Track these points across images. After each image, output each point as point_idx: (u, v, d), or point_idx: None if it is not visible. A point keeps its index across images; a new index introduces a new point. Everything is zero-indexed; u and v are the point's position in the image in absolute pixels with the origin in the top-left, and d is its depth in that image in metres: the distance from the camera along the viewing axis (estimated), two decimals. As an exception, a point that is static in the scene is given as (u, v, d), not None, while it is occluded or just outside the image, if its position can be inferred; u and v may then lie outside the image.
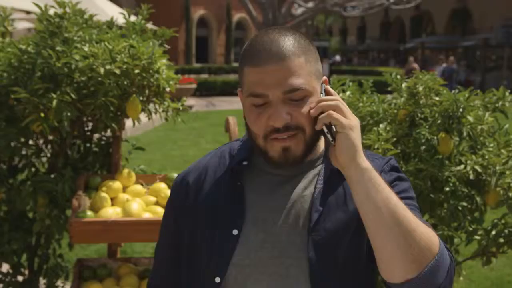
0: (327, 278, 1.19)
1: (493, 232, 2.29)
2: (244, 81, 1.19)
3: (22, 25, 10.20)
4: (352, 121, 1.13)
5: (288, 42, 1.16)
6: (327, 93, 1.21)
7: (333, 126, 1.13)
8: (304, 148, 1.19)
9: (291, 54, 1.14)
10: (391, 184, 1.20)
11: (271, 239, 1.21)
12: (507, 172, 2.21)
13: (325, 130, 1.16)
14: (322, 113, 1.14)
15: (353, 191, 1.12)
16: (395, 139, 2.29)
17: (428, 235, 1.08)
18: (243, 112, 1.23)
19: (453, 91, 2.36)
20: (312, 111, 1.15)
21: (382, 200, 1.08)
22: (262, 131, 1.17)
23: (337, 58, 39.82)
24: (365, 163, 1.11)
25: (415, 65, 18.16)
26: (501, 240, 2.30)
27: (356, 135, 1.12)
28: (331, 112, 1.13)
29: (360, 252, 1.22)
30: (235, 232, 1.22)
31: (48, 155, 2.82)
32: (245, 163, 1.28)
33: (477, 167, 2.21)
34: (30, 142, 2.78)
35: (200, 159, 1.39)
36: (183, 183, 1.34)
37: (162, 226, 1.40)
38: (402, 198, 1.15)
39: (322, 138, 1.26)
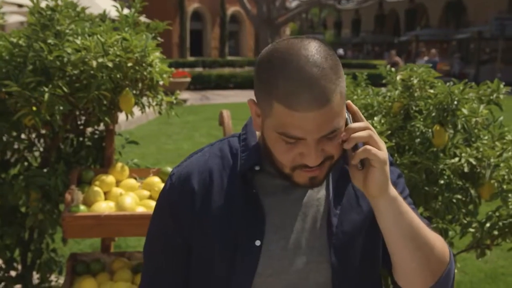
0: (347, 281, 1.20)
1: (487, 225, 2.29)
2: (272, 114, 1.07)
3: (14, 18, 10.13)
4: (385, 153, 1.11)
5: (325, 77, 1.03)
6: (352, 115, 1.14)
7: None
8: (328, 171, 1.14)
9: (332, 93, 1.04)
10: (394, 183, 1.20)
11: (292, 246, 1.19)
12: (502, 165, 2.21)
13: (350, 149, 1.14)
14: (355, 145, 1.11)
15: (379, 218, 1.14)
16: (389, 132, 2.28)
17: (442, 247, 1.18)
18: (262, 131, 1.15)
19: (447, 83, 2.36)
20: (345, 145, 1.10)
21: (407, 226, 1.13)
22: (290, 164, 1.10)
23: (340, 51, 39.57)
24: (392, 191, 1.13)
25: (397, 59, 18.06)
26: (495, 232, 2.30)
27: (387, 168, 1.11)
28: (368, 148, 1.09)
29: (376, 253, 1.26)
30: (257, 243, 1.17)
31: (41, 149, 2.80)
32: (257, 168, 1.21)
33: (471, 160, 2.21)
34: (22, 136, 2.76)
35: (197, 157, 1.27)
36: (186, 187, 1.22)
37: (153, 234, 1.30)
38: (405, 198, 1.20)
39: None
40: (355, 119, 1.14)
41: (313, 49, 1.06)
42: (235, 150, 1.25)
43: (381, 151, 1.10)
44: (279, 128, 1.06)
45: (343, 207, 1.21)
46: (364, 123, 1.12)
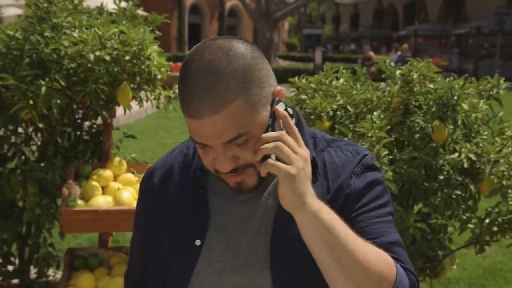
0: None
1: (487, 221, 2.28)
2: (188, 128, 1.08)
3: (11, 11, 10.09)
4: (294, 167, 1.00)
5: (221, 83, 1.00)
6: (283, 119, 1.05)
7: None
8: (258, 177, 1.10)
9: (228, 101, 1.00)
10: (362, 190, 1.15)
11: (234, 248, 1.15)
12: (501, 161, 2.20)
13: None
14: (265, 156, 1.02)
15: (302, 233, 1.03)
16: (389, 127, 2.27)
17: (381, 270, 1.04)
18: None
19: (447, 78, 2.34)
20: (255, 157, 1.04)
21: (330, 244, 1.01)
22: (211, 168, 1.11)
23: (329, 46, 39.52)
24: (312, 205, 1.01)
25: (371, 53, 17.84)
26: (495, 228, 2.29)
27: (298, 183, 1.00)
28: (270, 162, 1.00)
29: None
30: (197, 242, 1.16)
31: (38, 143, 2.79)
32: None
33: (471, 155, 2.20)
34: (19, 130, 2.74)
35: (168, 153, 1.32)
36: (149, 181, 1.28)
37: (135, 220, 1.34)
38: (373, 209, 1.13)
39: None
40: (284, 125, 1.06)
41: (220, 52, 1.03)
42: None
43: (289, 165, 1.00)
44: (190, 134, 1.08)
45: None
46: (277, 133, 1.02)
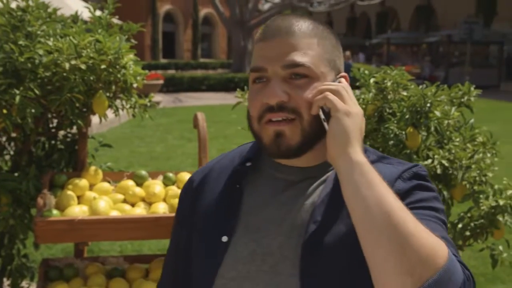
0: None
1: (460, 226, 2.33)
2: (251, 61, 1.12)
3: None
4: (351, 107, 1.01)
5: (304, 23, 1.09)
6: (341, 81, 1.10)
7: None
8: (300, 137, 1.05)
9: (301, 32, 1.07)
10: (407, 192, 1.05)
11: (262, 251, 1.07)
12: (473, 166, 2.25)
13: (322, 116, 1.04)
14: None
15: (342, 186, 0.97)
16: (363, 134, 2.30)
17: (432, 243, 0.90)
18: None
19: (420, 86, 2.39)
20: (309, 95, 1.04)
21: (373, 197, 0.91)
22: (257, 111, 1.07)
23: None
24: (358, 155, 0.97)
25: None
26: (467, 233, 2.34)
27: (351, 122, 1.00)
28: (328, 93, 1.02)
29: (361, 273, 0.98)
30: (224, 239, 1.09)
31: (11, 152, 2.75)
32: (248, 164, 1.16)
33: (444, 162, 2.24)
34: (-8, 139, 2.70)
35: (214, 159, 1.29)
36: (187, 186, 1.25)
37: (172, 230, 1.30)
38: (419, 208, 1.01)
39: None
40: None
41: (303, 14, 1.15)
42: (244, 152, 1.22)
43: (345, 104, 1.02)
44: (251, 66, 1.11)
45: (329, 215, 1.05)
46: (338, 84, 1.06)
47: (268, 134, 1.06)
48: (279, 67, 1.05)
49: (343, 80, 1.11)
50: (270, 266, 1.06)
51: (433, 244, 0.90)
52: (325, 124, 1.03)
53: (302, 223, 1.07)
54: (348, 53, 20.17)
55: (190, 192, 1.23)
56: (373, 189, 0.93)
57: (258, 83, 1.08)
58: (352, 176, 0.95)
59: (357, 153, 0.98)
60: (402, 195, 1.02)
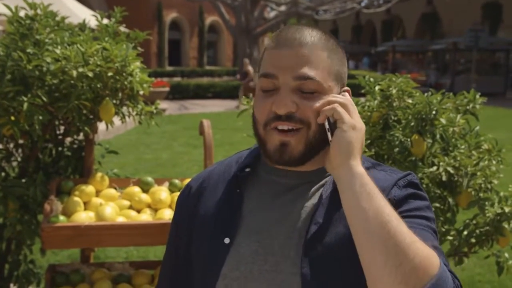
0: None
1: (465, 233, 2.33)
2: (261, 66, 1.15)
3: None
4: (356, 122, 1.07)
5: (315, 35, 1.12)
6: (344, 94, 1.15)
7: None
8: (304, 147, 1.10)
9: (313, 44, 1.11)
10: (402, 200, 1.10)
11: (264, 251, 1.11)
12: (478, 173, 2.25)
13: (327, 126, 1.09)
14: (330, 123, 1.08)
15: (341, 196, 1.02)
16: (369, 141, 2.31)
17: (426, 254, 0.95)
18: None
19: (425, 93, 2.40)
20: (317, 105, 1.08)
21: (372, 209, 0.97)
22: (264, 117, 1.11)
23: None
24: (358, 167, 1.03)
25: (249, 68, 17.77)
26: (473, 240, 2.34)
27: (355, 136, 1.05)
28: (337, 105, 1.07)
29: (360, 271, 1.01)
30: (226, 240, 1.13)
31: (19, 159, 2.77)
32: (247, 169, 1.20)
33: (449, 169, 2.24)
34: (0, 146, 2.72)
35: (208, 167, 1.33)
36: (184, 193, 1.28)
37: (168, 238, 1.33)
38: (413, 217, 1.06)
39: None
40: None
41: (314, 26, 1.17)
42: (241, 159, 1.26)
43: (351, 117, 1.07)
44: (260, 72, 1.13)
45: (330, 216, 1.10)
46: (344, 98, 1.10)
47: (273, 141, 1.11)
48: (291, 78, 1.09)
49: (347, 94, 1.16)
50: (272, 265, 1.10)
51: (427, 255, 0.95)
52: (329, 134, 1.09)
53: (303, 224, 1.11)
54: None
55: (189, 199, 1.26)
56: (372, 201, 0.99)
57: (266, 92, 1.12)
58: (353, 187, 1.01)
59: (358, 165, 1.04)
60: (397, 202, 1.09)
